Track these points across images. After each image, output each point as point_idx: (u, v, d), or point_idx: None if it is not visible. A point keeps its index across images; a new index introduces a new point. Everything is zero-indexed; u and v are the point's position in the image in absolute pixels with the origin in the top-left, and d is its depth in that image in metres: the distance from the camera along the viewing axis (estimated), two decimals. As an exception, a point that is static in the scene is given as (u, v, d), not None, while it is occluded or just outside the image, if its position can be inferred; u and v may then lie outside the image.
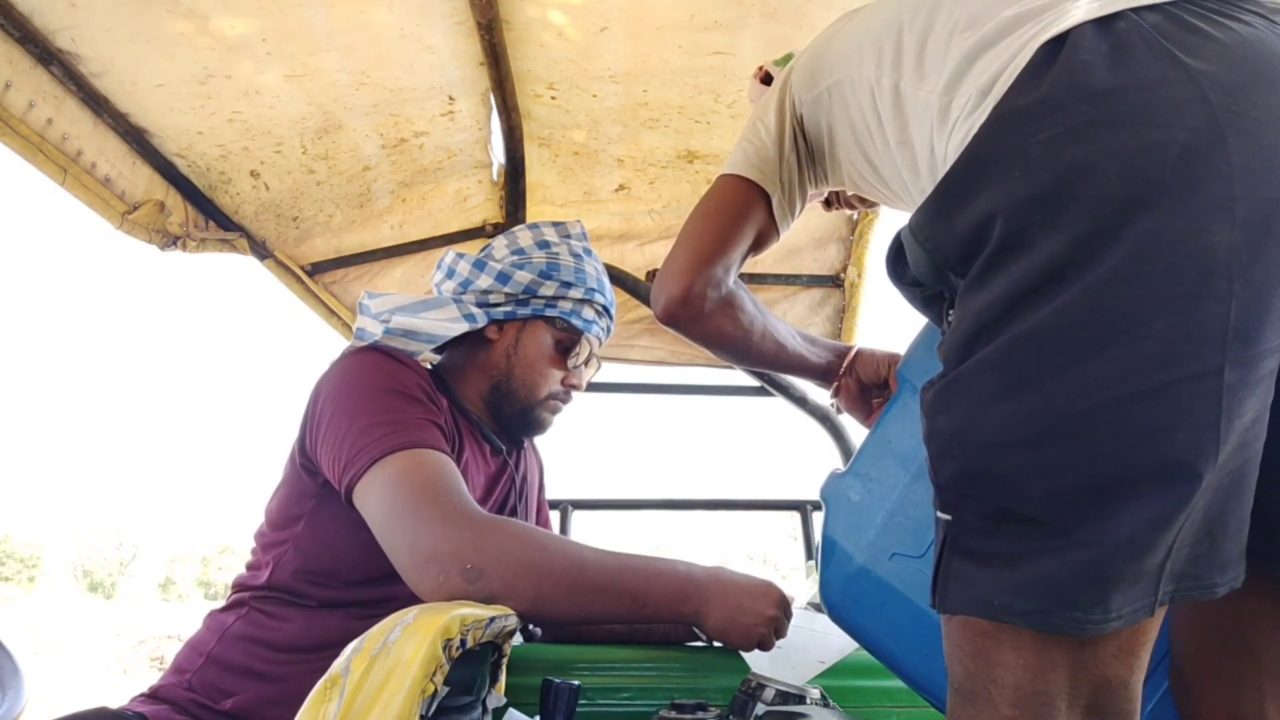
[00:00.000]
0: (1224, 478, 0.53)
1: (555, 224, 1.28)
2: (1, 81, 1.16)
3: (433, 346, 1.18)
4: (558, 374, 1.23)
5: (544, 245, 1.23)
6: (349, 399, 1.00)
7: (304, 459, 1.03)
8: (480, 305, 1.20)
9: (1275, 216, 0.51)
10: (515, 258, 1.22)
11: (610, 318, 1.29)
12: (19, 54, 1.18)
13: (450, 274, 1.23)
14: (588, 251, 1.28)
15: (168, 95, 1.37)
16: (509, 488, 1.24)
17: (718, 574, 0.97)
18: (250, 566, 1.07)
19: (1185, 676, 0.73)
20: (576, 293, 1.22)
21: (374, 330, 1.15)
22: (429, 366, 1.23)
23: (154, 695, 0.99)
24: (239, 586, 1.05)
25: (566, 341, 1.23)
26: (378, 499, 0.91)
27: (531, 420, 1.24)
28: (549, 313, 1.21)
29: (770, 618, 0.95)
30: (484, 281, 1.19)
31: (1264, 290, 0.51)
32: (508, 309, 1.20)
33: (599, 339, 1.28)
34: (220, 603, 1.07)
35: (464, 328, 1.17)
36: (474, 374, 1.23)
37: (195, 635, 1.03)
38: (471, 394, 1.22)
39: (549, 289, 1.20)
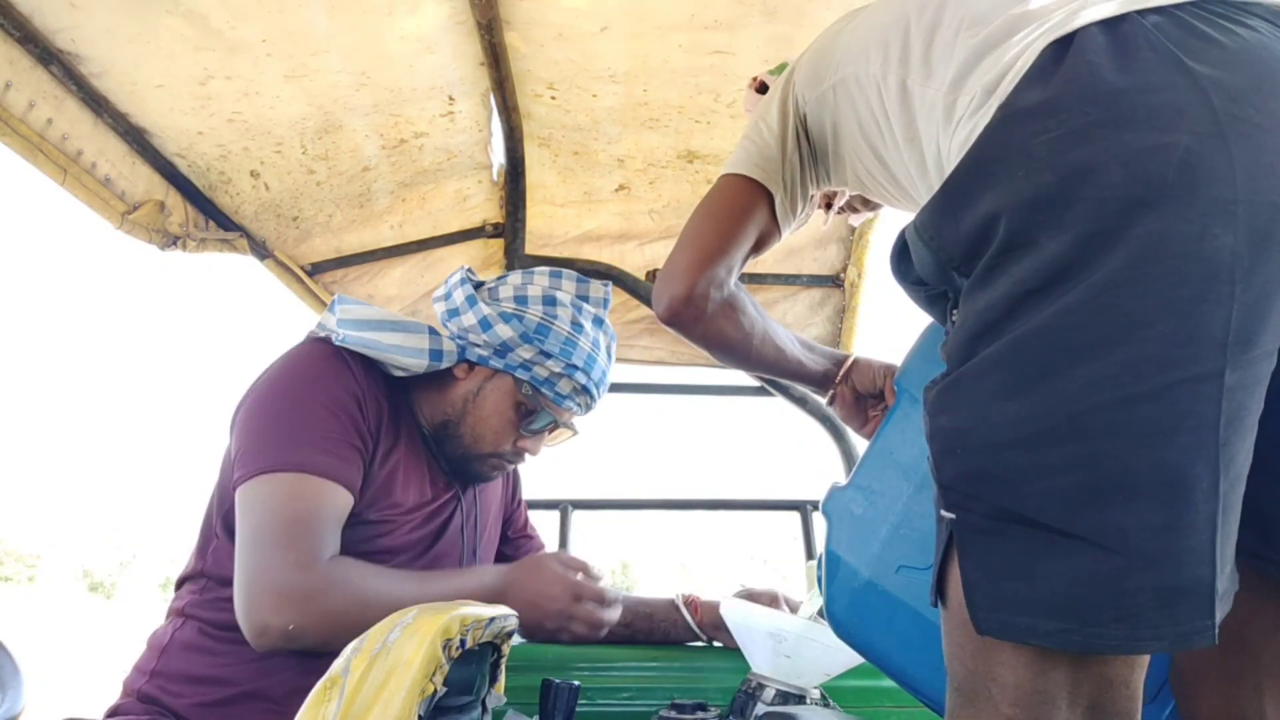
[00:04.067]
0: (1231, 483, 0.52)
1: (580, 279, 1.21)
2: (1, 81, 1.16)
3: (390, 367, 1.13)
4: (510, 436, 1.17)
5: (550, 301, 1.15)
6: (271, 392, 1.04)
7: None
8: (458, 340, 1.16)
9: (1277, 221, 0.52)
10: (511, 306, 1.15)
11: (592, 396, 1.20)
12: (19, 54, 1.18)
13: (447, 295, 1.18)
14: (597, 322, 1.20)
15: (168, 95, 1.37)
16: (454, 506, 1.21)
17: (512, 572, 1.08)
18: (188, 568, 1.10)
19: (1185, 676, 0.73)
20: (555, 365, 1.14)
21: (333, 328, 1.11)
22: (403, 373, 1.16)
23: (115, 713, 1.01)
24: (180, 590, 1.09)
25: (529, 406, 1.16)
26: (248, 513, 0.96)
27: (470, 471, 1.20)
28: (520, 374, 1.15)
29: (558, 610, 1.05)
30: (468, 319, 1.14)
31: (1264, 294, 0.51)
32: (483, 353, 1.15)
33: (571, 413, 1.20)
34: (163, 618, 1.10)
35: (421, 366, 1.12)
36: (430, 402, 1.19)
37: (141, 655, 1.06)
38: (426, 417, 1.20)
39: (526, 352, 1.14)
